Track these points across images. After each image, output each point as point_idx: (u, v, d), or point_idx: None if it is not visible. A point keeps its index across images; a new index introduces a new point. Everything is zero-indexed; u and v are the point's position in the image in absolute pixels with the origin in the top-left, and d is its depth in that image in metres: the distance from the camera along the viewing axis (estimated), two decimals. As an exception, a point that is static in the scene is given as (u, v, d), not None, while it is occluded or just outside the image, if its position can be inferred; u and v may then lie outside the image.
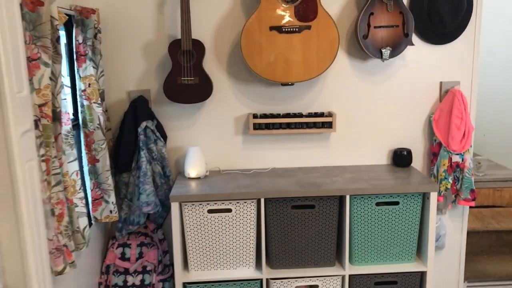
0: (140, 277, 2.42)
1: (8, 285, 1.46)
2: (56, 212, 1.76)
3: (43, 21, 1.67)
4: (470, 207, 3.19)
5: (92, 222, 2.30)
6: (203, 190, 2.28)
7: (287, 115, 2.52)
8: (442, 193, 2.53)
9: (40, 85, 1.67)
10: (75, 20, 2.12)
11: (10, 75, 1.39)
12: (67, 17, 1.90)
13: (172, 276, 2.50)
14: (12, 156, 1.40)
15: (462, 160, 2.50)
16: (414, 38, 2.46)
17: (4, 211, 1.42)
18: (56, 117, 1.79)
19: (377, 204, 2.31)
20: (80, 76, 2.17)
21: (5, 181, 1.41)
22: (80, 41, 2.14)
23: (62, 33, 2.17)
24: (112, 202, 2.31)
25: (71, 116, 2.15)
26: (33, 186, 1.50)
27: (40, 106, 1.67)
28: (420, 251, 2.41)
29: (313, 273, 2.34)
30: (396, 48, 2.36)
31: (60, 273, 1.75)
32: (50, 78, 1.73)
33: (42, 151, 1.65)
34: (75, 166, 1.98)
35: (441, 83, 2.55)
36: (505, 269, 2.89)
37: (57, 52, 1.79)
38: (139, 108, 2.42)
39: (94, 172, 2.26)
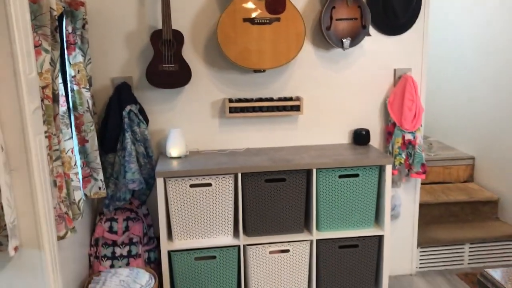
0: (127, 248, 2.64)
1: (23, 243, 1.66)
2: (57, 184, 1.97)
3: (43, 11, 1.87)
4: (423, 183, 3.57)
5: (83, 198, 2.49)
6: (185, 167, 2.51)
7: (260, 100, 2.78)
8: (396, 167, 2.85)
9: (42, 69, 1.86)
10: (65, 12, 2.30)
11: (23, 58, 1.59)
12: (63, 8, 2.09)
13: (156, 247, 2.73)
14: (26, 130, 1.61)
15: (414, 137, 2.83)
16: (371, 30, 2.76)
17: (20, 178, 1.62)
18: (55, 98, 1.99)
19: (340, 176, 2.61)
20: (70, 63, 2.36)
21: (21, 152, 1.61)
22: (70, 31, 2.33)
23: (53, 24, 2.34)
24: (101, 180, 2.51)
25: (62, 100, 2.33)
26: (42, 157, 1.71)
27: (42, 88, 1.86)
28: (377, 217, 2.73)
29: (285, 239, 2.62)
30: (355, 38, 2.66)
31: (63, 237, 1.95)
32: (50, 63, 1.92)
33: (44, 128, 1.85)
34: (70, 144, 2.17)
35: (395, 70, 2.87)
36: (452, 235, 3.25)
37: (55, 40, 1.99)
38: (123, 93, 2.63)
39: (83, 152, 2.46)
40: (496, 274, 1.17)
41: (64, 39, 2.33)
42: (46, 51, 1.88)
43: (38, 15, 1.85)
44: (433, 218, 3.43)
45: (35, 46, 1.82)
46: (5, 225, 1.58)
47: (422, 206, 3.30)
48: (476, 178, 3.73)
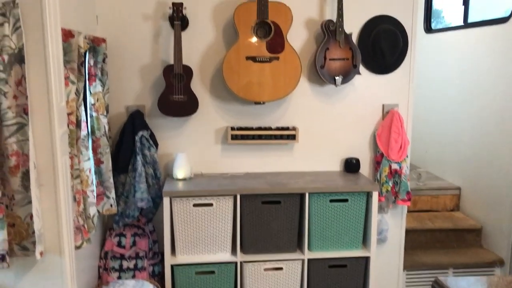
0: (133, 261, 2.87)
1: (47, 249, 1.91)
2: (76, 199, 2.22)
3: (72, 49, 2.16)
4: (412, 211, 3.81)
5: (97, 214, 2.74)
6: (189, 188, 2.77)
7: (259, 128, 3.05)
8: (383, 195, 3.10)
9: (69, 98, 2.15)
10: (89, 47, 2.60)
11: (56, 89, 1.87)
12: (88, 45, 2.39)
13: (160, 261, 2.96)
14: (55, 151, 1.87)
15: (400, 167, 3.08)
16: (361, 69, 3.05)
17: (47, 192, 1.88)
18: (78, 124, 2.26)
19: (331, 201, 2.85)
20: (91, 92, 2.65)
21: (49, 170, 1.87)
22: (92, 64, 2.63)
23: (77, 57, 2.63)
24: (113, 198, 2.77)
25: (82, 125, 2.60)
26: (66, 175, 1.97)
27: (68, 114, 2.14)
28: (365, 240, 2.96)
29: (279, 257, 2.84)
30: (347, 76, 2.94)
31: (79, 247, 2.20)
32: (75, 93, 2.21)
33: (68, 150, 2.12)
34: (88, 164, 2.45)
35: (383, 105, 3.15)
36: (437, 260, 3.46)
37: (81, 73, 2.28)
38: (136, 119, 2.90)
39: (98, 172, 2.72)
40: (445, 279, 1.41)
41: (87, 71, 2.62)
42: (73, 82, 2.17)
43: (68, 52, 2.15)
44: (419, 243, 3.65)
45: (65, 78, 2.11)
46: (33, 232, 1.84)
47: (409, 232, 3.53)
48: (462, 207, 3.96)
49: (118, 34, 2.90)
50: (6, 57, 1.74)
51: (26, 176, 1.82)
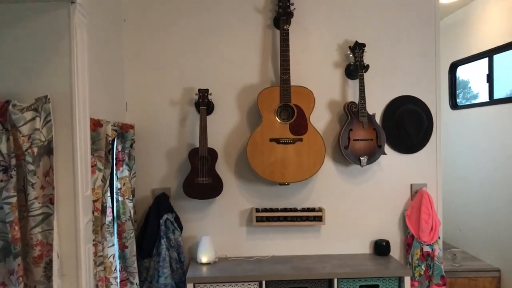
0: None
1: None
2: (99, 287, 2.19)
3: (100, 138, 2.23)
4: (447, 293, 3.58)
5: (118, 300, 2.69)
6: (213, 273, 2.70)
7: (284, 210, 3.01)
8: (416, 279, 2.94)
9: (95, 186, 2.18)
10: (117, 134, 2.69)
11: (82, 179, 1.91)
12: (116, 133, 2.47)
13: None
14: (79, 240, 1.87)
15: (432, 250, 2.95)
16: (387, 149, 3.02)
17: (69, 282, 1.86)
18: (103, 210, 2.28)
19: (360, 286, 2.72)
20: (117, 177, 2.70)
21: (72, 259, 1.87)
22: (119, 149, 2.70)
23: (106, 143, 2.70)
24: (136, 284, 2.72)
25: (108, 209, 2.62)
26: (89, 264, 1.96)
27: (93, 201, 2.17)
28: (399, 329, 2.78)
29: None
30: (372, 156, 2.92)
31: (99, 338, 2.13)
32: (101, 180, 2.25)
33: (92, 237, 2.13)
34: (112, 250, 2.43)
35: (411, 185, 3.08)
36: None
37: (108, 160, 2.33)
38: (161, 203, 2.92)
39: (123, 257, 2.70)
40: None
41: (114, 157, 2.69)
42: (100, 170, 2.21)
43: (96, 141, 2.21)
44: (459, 331, 3.40)
45: (92, 166, 2.16)
46: (53, 325, 1.80)
47: (447, 318, 3.30)
48: (504, 291, 3.71)
49: (146, 119, 3.00)
50: (35, 150, 1.80)
51: (49, 266, 1.81)
